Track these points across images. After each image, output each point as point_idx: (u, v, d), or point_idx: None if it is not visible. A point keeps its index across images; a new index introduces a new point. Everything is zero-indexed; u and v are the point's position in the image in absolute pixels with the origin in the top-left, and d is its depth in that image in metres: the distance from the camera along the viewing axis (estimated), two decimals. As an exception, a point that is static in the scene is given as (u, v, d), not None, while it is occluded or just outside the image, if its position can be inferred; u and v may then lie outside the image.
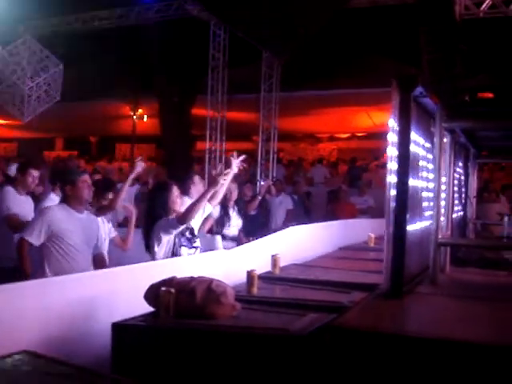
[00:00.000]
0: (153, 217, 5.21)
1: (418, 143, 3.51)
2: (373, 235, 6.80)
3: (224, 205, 7.84)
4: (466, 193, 5.95)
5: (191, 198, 6.15)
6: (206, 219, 6.74)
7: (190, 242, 5.28)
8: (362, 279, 4.30)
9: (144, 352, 2.92)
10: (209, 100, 14.08)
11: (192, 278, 3.19)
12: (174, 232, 5.08)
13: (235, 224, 8.18)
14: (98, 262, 5.35)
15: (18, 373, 2.39)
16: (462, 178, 5.66)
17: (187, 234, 5.27)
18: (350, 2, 11.24)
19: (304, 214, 11.95)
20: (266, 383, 2.68)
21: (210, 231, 7.73)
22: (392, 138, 3.18)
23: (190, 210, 5.05)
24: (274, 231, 9.14)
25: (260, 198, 10.23)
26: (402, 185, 3.14)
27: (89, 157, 23.99)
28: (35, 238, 4.96)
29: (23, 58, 12.84)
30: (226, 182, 5.48)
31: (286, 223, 10.31)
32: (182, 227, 5.10)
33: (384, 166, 17.76)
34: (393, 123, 3.14)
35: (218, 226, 7.94)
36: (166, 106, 17.28)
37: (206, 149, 14.40)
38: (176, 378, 2.87)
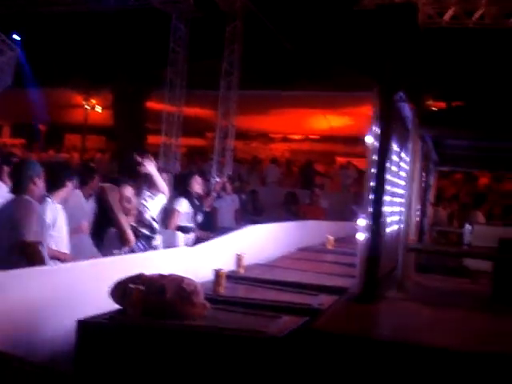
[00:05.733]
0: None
1: (392, 149, 3.49)
2: (331, 237, 6.82)
3: (191, 197, 7.34)
4: (425, 199, 6.00)
5: None
6: (170, 213, 6.50)
7: (149, 241, 5.03)
8: (326, 281, 4.30)
9: (109, 351, 2.80)
10: (167, 94, 13.86)
11: (161, 276, 3.08)
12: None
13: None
14: None
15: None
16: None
17: (146, 231, 5.08)
18: None
19: (253, 213, 11.90)
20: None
21: (179, 228, 7.10)
22: (371, 141, 3.14)
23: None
24: (222, 230, 9.03)
25: (215, 195, 10.16)
26: (379, 190, 3.10)
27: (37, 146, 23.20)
28: None
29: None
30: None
31: (236, 223, 10.24)
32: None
33: (342, 168, 17.90)
34: (373, 127, 3.10)
35: (192, 221, 7.30)
36: (121, 97, 16.93)
37: (161, 143, 14.16)
38: (141, 378, 2.77)
